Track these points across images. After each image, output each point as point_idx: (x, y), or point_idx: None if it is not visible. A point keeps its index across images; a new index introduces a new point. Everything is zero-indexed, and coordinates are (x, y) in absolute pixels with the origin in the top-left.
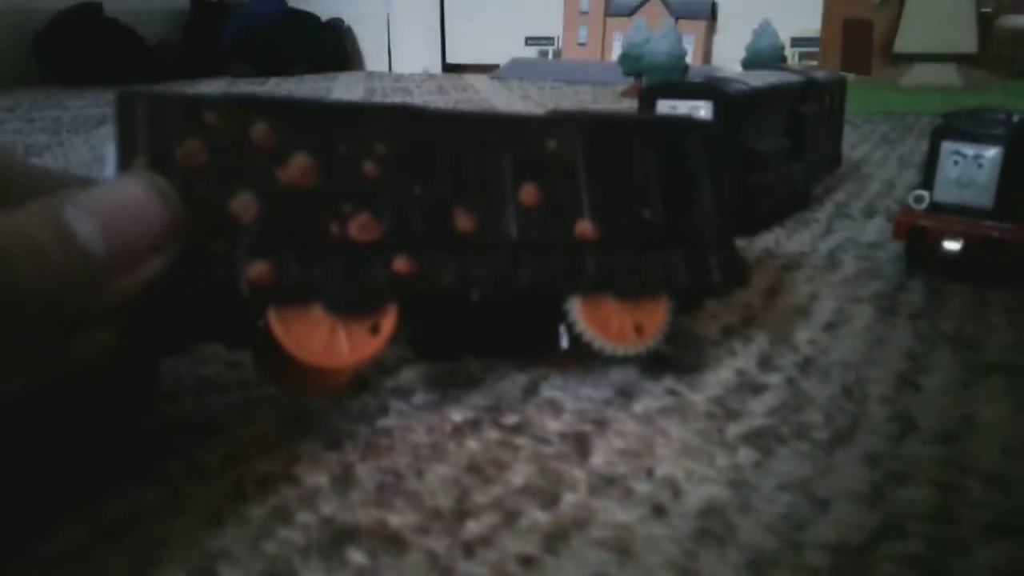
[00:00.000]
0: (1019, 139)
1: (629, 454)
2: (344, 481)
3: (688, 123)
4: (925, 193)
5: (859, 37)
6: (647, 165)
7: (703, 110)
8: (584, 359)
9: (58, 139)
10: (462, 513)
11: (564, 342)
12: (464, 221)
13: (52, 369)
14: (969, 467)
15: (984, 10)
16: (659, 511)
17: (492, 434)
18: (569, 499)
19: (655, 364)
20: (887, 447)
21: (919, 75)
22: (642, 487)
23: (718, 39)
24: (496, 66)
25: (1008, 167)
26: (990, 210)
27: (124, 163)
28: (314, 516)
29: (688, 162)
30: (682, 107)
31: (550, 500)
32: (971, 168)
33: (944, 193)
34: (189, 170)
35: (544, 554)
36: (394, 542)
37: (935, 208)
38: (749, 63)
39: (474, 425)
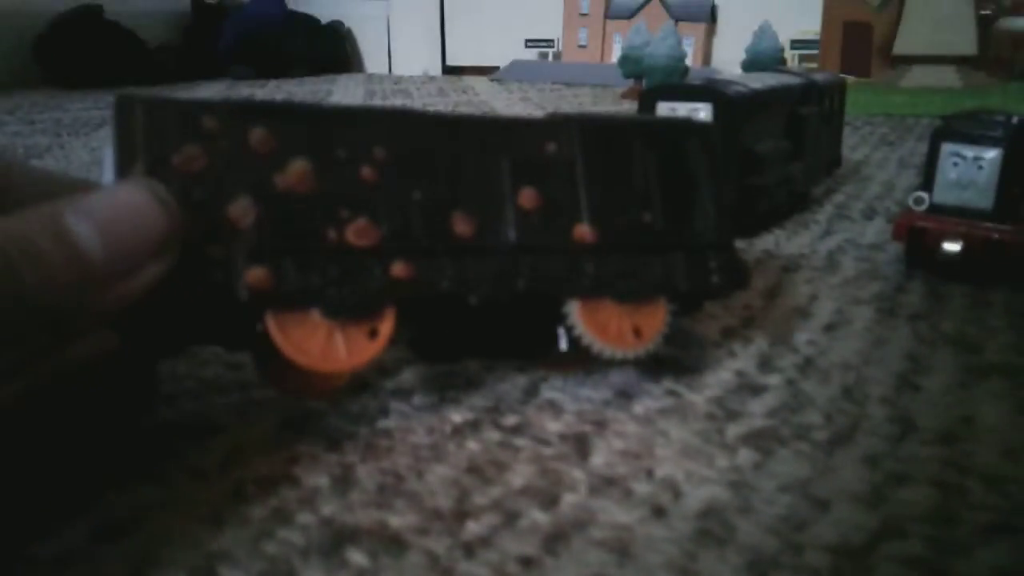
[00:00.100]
0: (1018, 141)
1: (629, 455)
2: (344, 482)
3: (688, 125)
4: (925, 194)
5: (859, 39)
6: (647, 168)
7: (703, 112)
8: (583, 361)
9: (58, 141)
10: (462, 514)
11: (563, 344)
12: (462, 225)
13: (52, 372)
14: (969, 468)
15: (983, 12)
16: (659, 512)
17: (492, 435)
18: (569, 500)
19: (655, 365)
20: (887, 448)
21: (919, 77)
22: (642, 488)
23: (718, 41)
24: (496, 68)
25: (1007, 169)
26: (990, 211)
27: (122, 167)
28: (314, 517)
29: (688, 164)
30: (682, 109)
31: (550, 501)
32: (971, 170)
33: (944, 194)
34: (187, 175)
35: (544, 555)
36: (394, 543)
37: (935, 209)
38: (749, 65)
39: (474, 426)
